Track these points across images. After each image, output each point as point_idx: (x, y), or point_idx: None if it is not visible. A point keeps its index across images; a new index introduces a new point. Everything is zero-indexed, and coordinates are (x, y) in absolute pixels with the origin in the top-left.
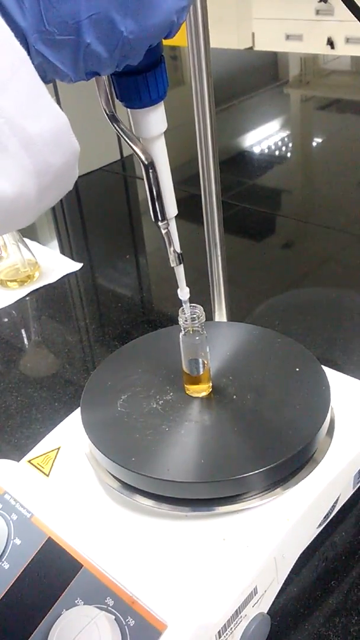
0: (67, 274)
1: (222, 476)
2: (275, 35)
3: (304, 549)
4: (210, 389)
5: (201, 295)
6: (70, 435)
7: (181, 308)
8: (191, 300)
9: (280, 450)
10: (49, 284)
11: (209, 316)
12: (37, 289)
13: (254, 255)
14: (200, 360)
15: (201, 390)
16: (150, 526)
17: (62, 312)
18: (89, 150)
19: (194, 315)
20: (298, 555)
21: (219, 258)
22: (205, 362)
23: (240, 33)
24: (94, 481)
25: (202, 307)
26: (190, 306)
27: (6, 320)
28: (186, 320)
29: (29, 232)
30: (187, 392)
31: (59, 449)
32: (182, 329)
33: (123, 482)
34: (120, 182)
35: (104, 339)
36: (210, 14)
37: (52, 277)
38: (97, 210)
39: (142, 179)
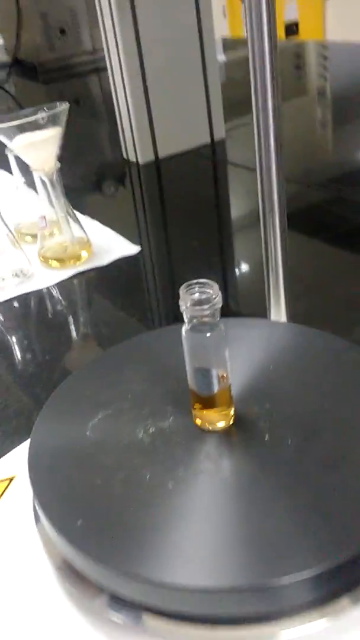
0: (123, 257)
1: (248, 580)
2: None
3: None
4: (232, 420)
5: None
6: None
7: (183, 285)
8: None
9: (348, 542)
10: (99, 266)
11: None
12: (83, 272)
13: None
14: (214, 373)
15: (215, 419)
16: None
17: (107, 299)
18: (176, 129)
19: (203, 296)
20: None
21: (277, 233)
22: (223, 375)
23: None
24: (45, 568)
25: (216, 285)
26: (197, 283)
27: (31, 306)
28: (189, 304)
29: (92, 211)
30: (195, 420)
31: (11, 479)
32: (184, 319)
33: (85, 578)
34: (209, 167)
35: None
36: None
37: (103, 259)
38: (178, 195)
39: (236, 165)
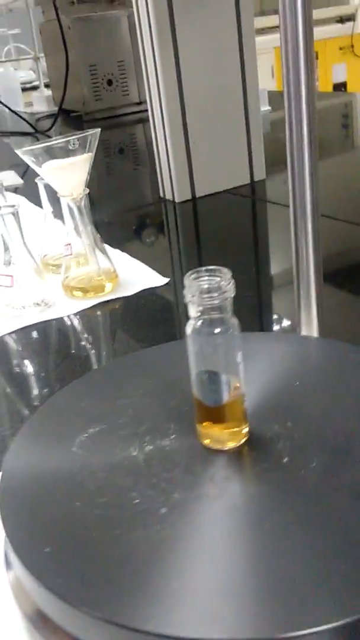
0: (150, 289)
1: (253, 634)
2: None
3: None
4: (245, 439)
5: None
6: None
7: (189, 272)
8: None
9: None
10: (124, 297)
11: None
12: (107, 301)
13: None
14: (223, 378)
15: (223, 437)
16: None
17: (129, 329)
18: (215, 170)
19: (213, 284)
20: None
21: (310, 240)
22: (235, 383)
23: None
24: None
25: (229, 272)
26: (207, 270)
27: (50, 334)
28: (195, 293)
29: (123, 245)
30: (200, 438)
31: None
32: (190, 314)
33: (59, 629)
34: (248, 204)
35: None
36: None
37: (128, 290)
38: (214, 230)
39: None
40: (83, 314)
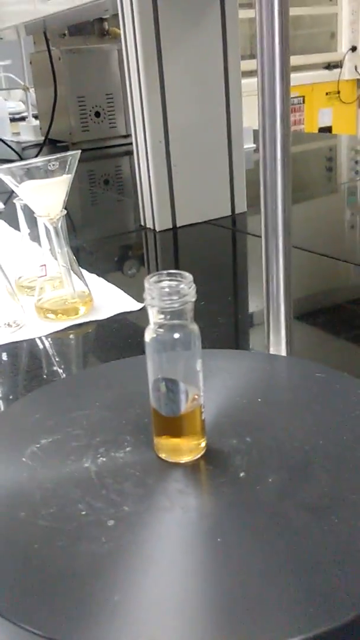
0: (123, 313)
1: None
2: None
3: None
4: (202, 451)
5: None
6: None
7: (149, 276)
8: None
9: (336, 610)
10: (98, 320)
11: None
12: (81, 324)
13: None
14: (182, 387)
15: (180, 450)
16: None
17: (100, 352)
18: (197, 201)
19: (173, 287)
20: None
21: (280, 260)
22: (194, 394)
23: None
24: None
25: (190, 277)
26: (168, 273)
27: (9, 356)
28: (155, 297)
29: (100, 269)
30: (157, 451)
31: None
32: (150, 318)
33: None
34: (228, 235)
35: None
36: None
37: (102, 314)
38: (194, 259)
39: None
40: (55, 336)
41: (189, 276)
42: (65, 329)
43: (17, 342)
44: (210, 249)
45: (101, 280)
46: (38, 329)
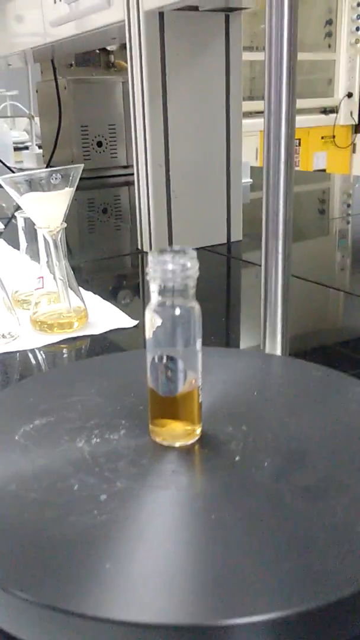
0: (119, 330)
1: (184, 619)
2: None
3: None
4: (198, 436)
5: None
6: None
7: (152, 250)
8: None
9: (325, 586)
10: (92, 335)
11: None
12: (75, 338)
13: None
14: (180, 366)
15: (176, 433)
16: None
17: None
18: (194, 228)
19: (178, 265)
20: None
21: (279, 255)
22: (192, 376)
23: None
24: None
25: (194, 252)
26: (172, 250)
27: (1, 366)
28: (158, 271)
29: (97, 288)
30: (152, 435)
31: None
32: (151, 293)
33: None
34: (222, 261)
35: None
36: None
37: (98, 329)
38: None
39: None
40: (48, 349)
41: (193, 252)
42: (59, 342)
43: (10, 352)
44: (204, 272)
45: (96, 297)
46: (32, 341)
